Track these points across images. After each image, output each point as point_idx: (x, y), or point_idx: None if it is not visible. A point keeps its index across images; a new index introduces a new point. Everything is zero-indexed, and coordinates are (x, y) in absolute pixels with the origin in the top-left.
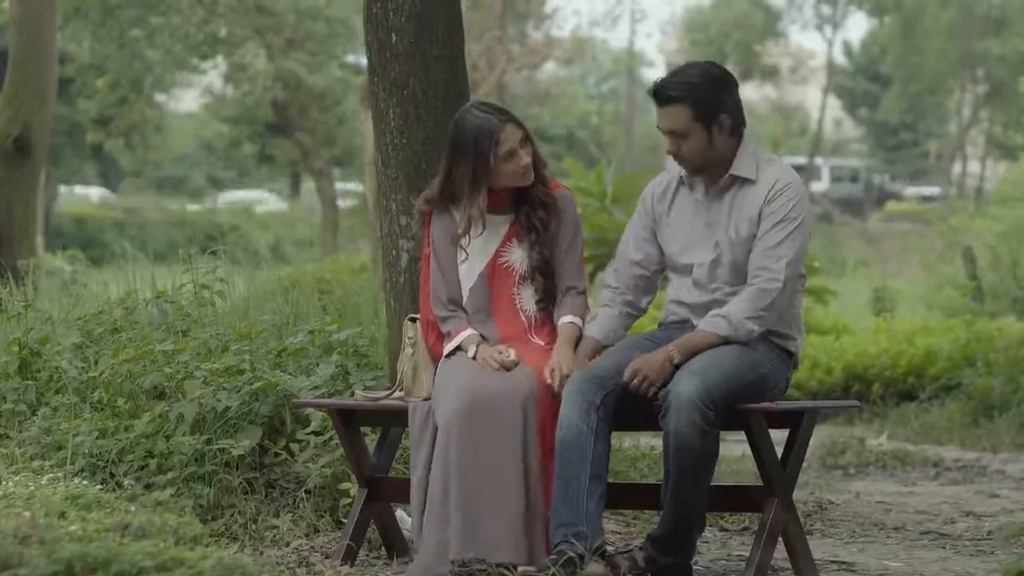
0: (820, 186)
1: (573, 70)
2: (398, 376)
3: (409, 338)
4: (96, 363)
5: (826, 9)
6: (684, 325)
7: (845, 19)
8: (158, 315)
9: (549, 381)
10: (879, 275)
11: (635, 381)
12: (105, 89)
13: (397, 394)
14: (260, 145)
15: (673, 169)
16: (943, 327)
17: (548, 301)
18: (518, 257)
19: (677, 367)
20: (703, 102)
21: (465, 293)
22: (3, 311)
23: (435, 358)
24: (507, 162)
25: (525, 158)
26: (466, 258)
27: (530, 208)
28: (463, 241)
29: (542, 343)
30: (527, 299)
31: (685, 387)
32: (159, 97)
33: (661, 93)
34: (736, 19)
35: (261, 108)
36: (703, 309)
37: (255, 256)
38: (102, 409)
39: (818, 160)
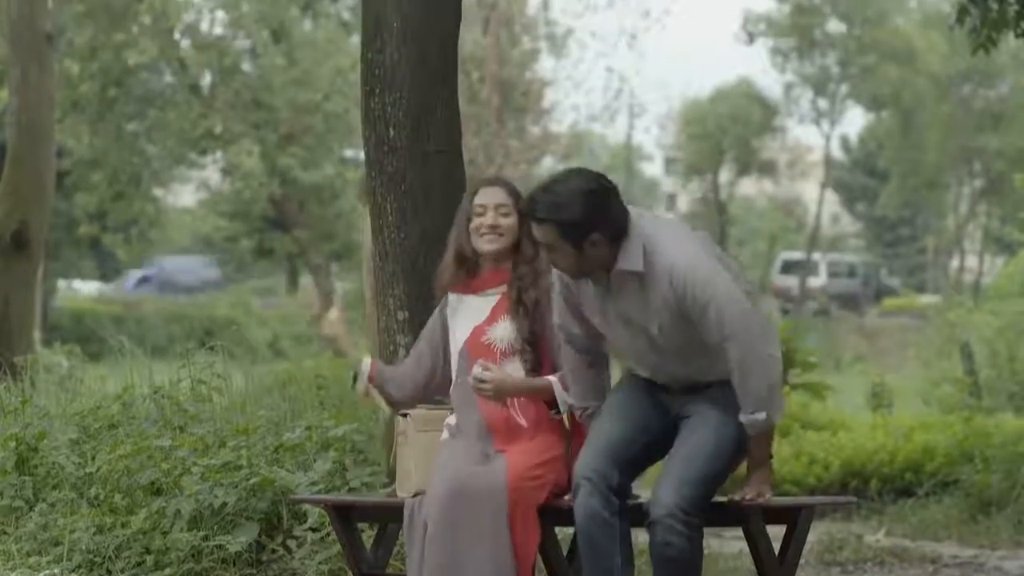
0: (817, 281)
1: (571, 164)
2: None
3: (401, 434)
4: (93, 459)
5: (823, 104)
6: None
7: (842, 114)
8: (155, 410)
9: (477, 374)
10: (876, 370)
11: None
12: (103, 183)
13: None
14: (257, 240)
15: None
16: (941, 423)
17: (536, 374)
18: (500, 334)
19: (771, 457)
20: (569, 223)
21: (453, 365)
22: (0, 407)
23: None
24: (477, 215)
25: (494, 219)
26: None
27: (521, 285)
28: (448, 310)
29: (525, 424)
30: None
31: (667, 496)
32: (157, 191)
33: (528, 210)
34: (733, 114)
35: (258, 203)
36: (671, 378)
37: (253, 351)
38: (99, 505)
39: (816, 255)
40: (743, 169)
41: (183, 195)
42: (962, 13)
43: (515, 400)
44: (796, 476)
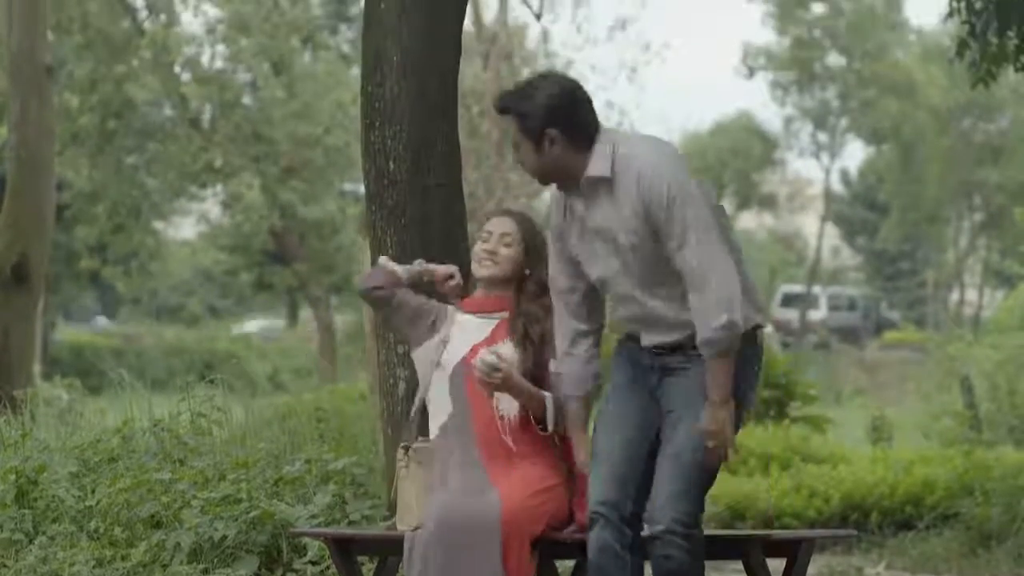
0: (818, 314)
1: None
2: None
3: (401, 467)
4: (93, 492)
5: (823, 137)
6: (637, 343)
7: (842, 147)
8: (155, 444)
9: (490, 360)
10: (877, 404)
11: (719, 452)
12: (102, 216)
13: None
14: (258, 273)
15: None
16: (941, 456)
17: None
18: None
19: (727, 402)
20: (528, 116)
21: (446, 384)
22: (0, 440)
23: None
24: (481, 240)
25: (494, 246)
26: (443, 344)
27: (527, 320)
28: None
29: (516, 448)
30: (505, 400)
31: (663, 513)
32: (157, 224)
33: (495, 102)
34: (733, 147)
35: (258, 237)
36: (641, 321)
37: (253, 384)
38: (99, 538)
39: (816, 288)
40: (743, 202)
41: (183, 228)
42: (962, 47)
43: (507, 425)
44: (796, 509)
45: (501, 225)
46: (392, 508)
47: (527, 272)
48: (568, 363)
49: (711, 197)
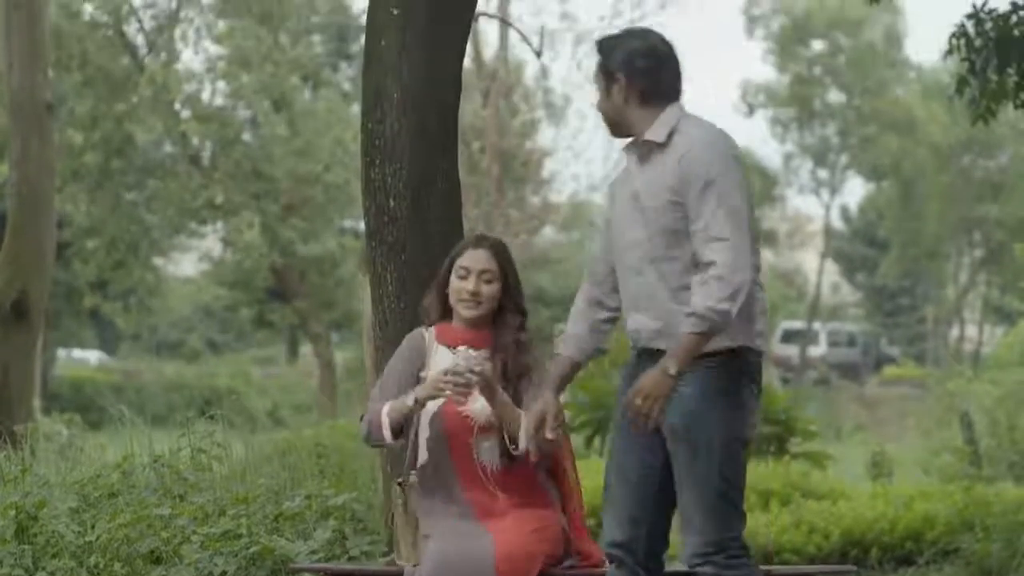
0: (818, 350)
1: (572, 234)
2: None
3: (399, 502)
4: (93, 527)
5: (823, 174)
6: (653, 354)
7: (843, 184)
8: (155, 479)
9: (471, 364)
10: (877, 440)
11: (641, 412)
12: (102, 252)
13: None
14: (258, 309)
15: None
16: (941, 492)
17: (509, 457)
18: (479, 408)
19: (675, 377)
20: (606, 56)
21: (423, 433)
22: (0, 475)
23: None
24: (459, 279)
25: (475, 286)
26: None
27: (504, 356)
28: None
29: (504, 496)
30: (487, 451)
31: (696, 547)
32: (157, 261)
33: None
34: None
35: (259, 273)
36: (633, 300)
37: (253, 420)
38: (99, 574)
39: (816, 324)
40: None
41: (184, 264)
42: (962, 84)
43: (489, 476)
44: (796, 545)
45: (479, 261)
46: (391, 544)
47: (503, 303)
48: (577, 323)
49: (750, 199)
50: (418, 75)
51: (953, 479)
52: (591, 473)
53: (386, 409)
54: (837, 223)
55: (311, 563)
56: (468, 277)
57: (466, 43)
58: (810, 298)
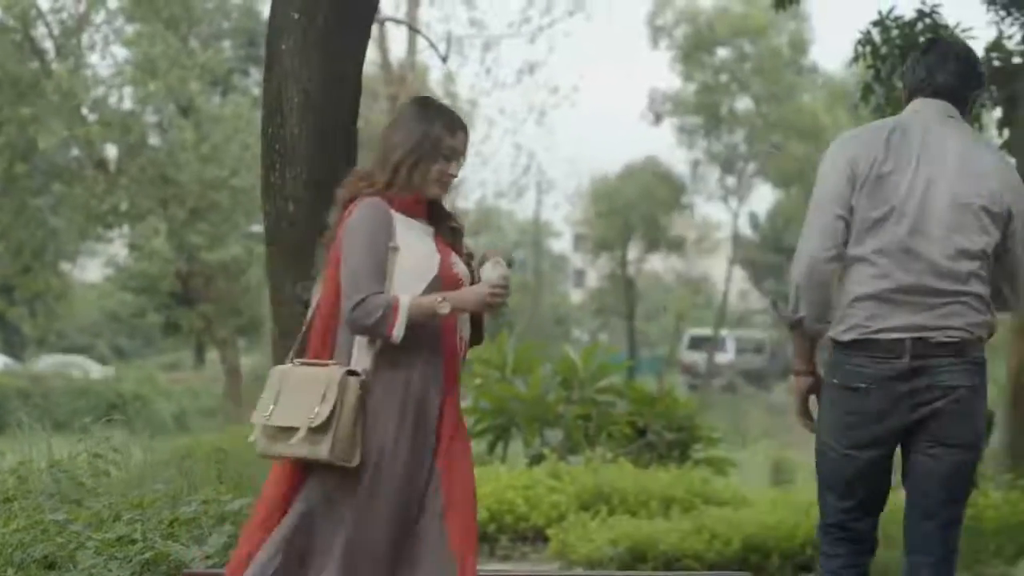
0: (725, 357)
1: (479, 240)
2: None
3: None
4: None
5: (731, 181)
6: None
7: (750, 191)
8: (52, 484)
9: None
10: (781, 446)
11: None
12: (8, 257)
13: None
14: (165, 315)
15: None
16: None
17: (476, 327)
18: (462, 268)
19: None
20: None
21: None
22: None
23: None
24: (445, 159)
25: (456, 170)
26: (396, 252)
27: (447, 232)
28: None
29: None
30: (464, 321)
31: None
32: (64, 266)
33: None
34: (642, 191)
35: (165, 279)
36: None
37: (159, 425)
38: None
39: (723, 331)
40: (651, 246)
41: (90, 270)
42: (866, 91)
43: (463, 347)
44: (697, 552)
45: (464, 144)
46: None
47: None
48: (810, 299)
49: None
50: (319, 79)
51: None
52: (490, 480)
53: (407, 302)
54: (745, 230)
55: (205, 568)
56: (453, 158)
57: (366, 46)
58: (718, 305)
